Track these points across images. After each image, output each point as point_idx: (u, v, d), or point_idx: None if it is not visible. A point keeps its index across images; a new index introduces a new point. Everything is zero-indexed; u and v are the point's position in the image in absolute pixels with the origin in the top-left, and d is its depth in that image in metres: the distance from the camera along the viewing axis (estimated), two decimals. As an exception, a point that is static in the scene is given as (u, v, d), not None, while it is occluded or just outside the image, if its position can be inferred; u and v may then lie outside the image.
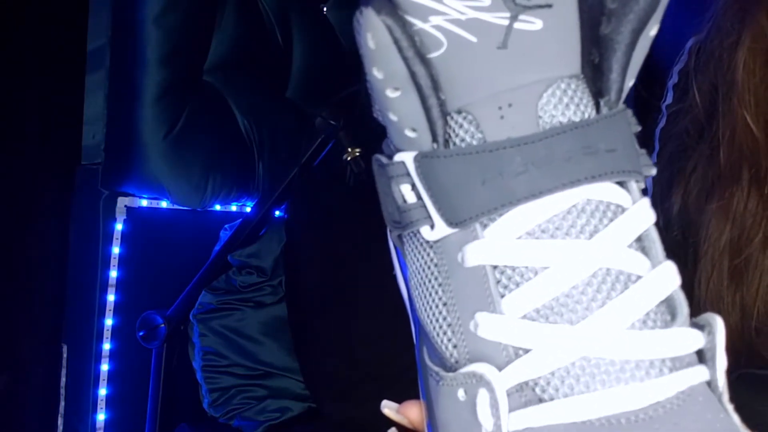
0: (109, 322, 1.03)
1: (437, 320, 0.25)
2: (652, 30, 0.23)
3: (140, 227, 1.07)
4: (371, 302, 0.88)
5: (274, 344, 1.05)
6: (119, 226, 1.04)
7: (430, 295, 0.25)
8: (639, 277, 0.22)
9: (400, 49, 0.22)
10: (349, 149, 0.95)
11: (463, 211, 0.23)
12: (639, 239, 0.24)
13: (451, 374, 0.23)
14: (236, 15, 1.15)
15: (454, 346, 0.24)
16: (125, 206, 1.05)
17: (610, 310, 0.22)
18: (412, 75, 0.22)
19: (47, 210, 1.08)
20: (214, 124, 1.12)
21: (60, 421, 1.06)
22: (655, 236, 0.24)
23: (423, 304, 0.26)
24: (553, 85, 0.23)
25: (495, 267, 0.23)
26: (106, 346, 1.03)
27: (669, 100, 0.60)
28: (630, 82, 0.24)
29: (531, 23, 0.22)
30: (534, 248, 0.22)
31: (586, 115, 0.23)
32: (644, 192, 0.25)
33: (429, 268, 0.25)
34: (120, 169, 1.05)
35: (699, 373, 0.22)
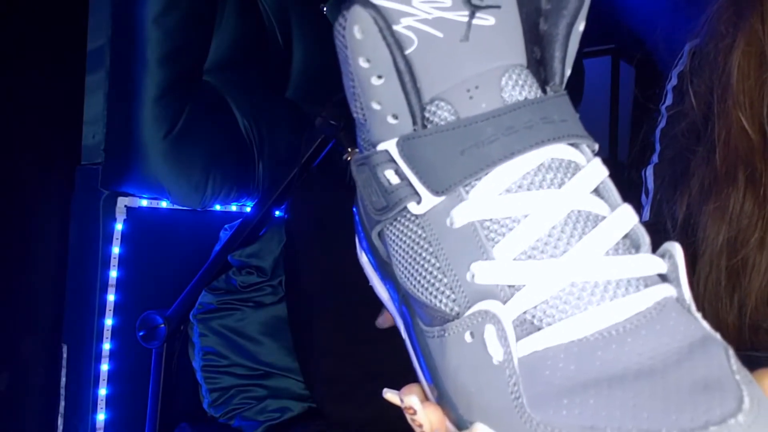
0: (109, 322, 1.03)
1: (434, 285, 0.27)
2: (581, 26, 0.27)
3: (140, 227, 1.07)
4: (371, 302, 0.88)
5: (274, 344, 1.05)
6: (119, 226, 1.04)
7: (423, 266, 0.28)
8: (604, 217, 0.26)
9: (384, 37, 0.26)
10: (349, 149, 0.95)
11: (447, 179, 0.26)
12: (596, 190, 0.28)
13: (456, 321, 0.26)
14: (236, 15, 1.15)
15: (454, 301, 0.27)
16: (125, 206, 1.05)
17: (586, 243, 0.25)
18: (395, 61, 0.26)
19: (47, 210, 1.08)
20: (214, 124, 1.12)
21: (60, 421, 1.06)
22: (611, 186, 0.28)
23: (416, 279, 0.28)
24: (509, 71, 0.27)
25: (482, 222, 0.26)
26: (106, 346, 1.03)
27: (668, 101, 0.60)
28: (568, 71, 0.28)
29: (486, 20, 0.26)
30: (514, 200, 0.26)
31: (538, 95, 0.27)
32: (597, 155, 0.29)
33: (418, 243, 0.28)
34: (120, 169, 1.05)
35: (669, 289, 0.26)
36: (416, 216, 0.28)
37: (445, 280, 0.27)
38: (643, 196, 0.61)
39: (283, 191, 1.05)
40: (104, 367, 1.03)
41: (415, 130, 0.27)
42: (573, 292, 0.25)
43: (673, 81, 0.60)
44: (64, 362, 1.06)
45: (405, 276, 0.29)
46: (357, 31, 0.26)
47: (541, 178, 0.26)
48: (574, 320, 0.24)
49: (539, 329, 0.25)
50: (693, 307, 0.26)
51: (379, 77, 0.27)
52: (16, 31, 1.02)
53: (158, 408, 0.99)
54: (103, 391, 1.03)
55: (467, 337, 0.25)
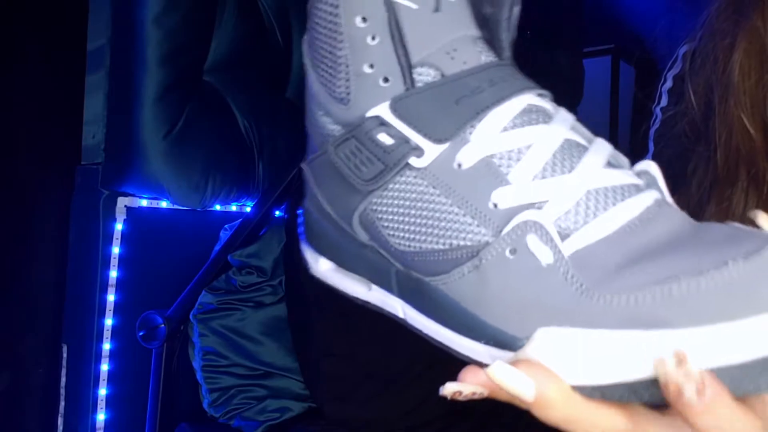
0: (109, 322, 1.03)
1: (452, 228, 0.29)
2: (516, 9, 0.31)
3: (140, 227, 1.07)
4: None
5: (274, 344, 1.05)
6: (119, 226, 1.04)
7: (434, 215, 0.30)
8: (587, 147, 0.30)
9: None
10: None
11: (449, 127, 0.29)
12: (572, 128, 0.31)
13: (491, 245, 0.28)
14: (236, 15, 1.15)
15: (480, 233, 0.29)
16: (125, 206, 1.05)
17: (587, 161, 0.29)
18: (389, 20, 0.29)
19: (47, 210, 1.08)
20: (214, 124, 1.12)
21: (60, 421, 1.06)
22: (580, 126, 0.31)
23: (428, 231, 0.30)
24: (476, 39, 0.31)
25: (491, 157, 0.29)
26: (106, 346, 1.03)
27: (663, 103, 0.60)
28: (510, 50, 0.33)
29: None
30: (517, 135, 0.29)
31: (500, 61, 0.31)
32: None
33: (424, 195, 0.30)
34: (120, 169, 1.05)
35: (657, 193, 0.30)
36: (418, 170, 0.30)
37: (466, 218, 0.29)
38: None
39: (283, 191, 1.05)
40: (104, 367, 1.03)
41: (407, 90, 0.30)
42: (590, 198, 0.28)
43: (668, 83, 0.60)
44: (64, 362, 1.06)
45: (410, 236, 0.30)
46: None
47: (528, 118, 0.30)
48: (601, 219, 0.27)
49: (568, 236, 0.27)
50: (676, 208, 0.30)
51: (373, 38, 0.29)
52: (16, 31, 1.02)
53: (158, 408, 0.99)
54: (103, 391, 1.03)
55: (508, 254, 0.27)
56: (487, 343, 0.28)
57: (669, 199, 0.30)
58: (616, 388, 0.26)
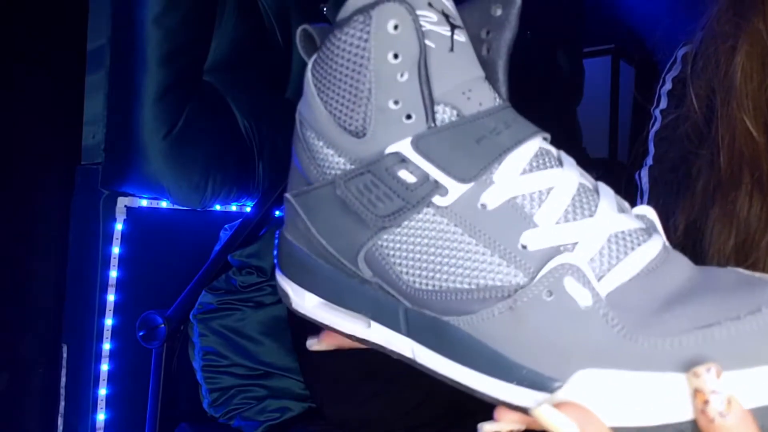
0: (109, 322, 1.03)
1: (478, 268, 0.29)
2: (510, 51, 0.32)
3: (140, 227, 1.07)
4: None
5: (274, 344, 1.05)
6: (119, 226, 1.04)
7: (457, 255, 0.29)
8: (596, 190, 0.31)
9: (416, 29, 0.28)
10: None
11: (473, 167, 0.29)
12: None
13: (528, 286, 0.28)
14: (236, 15, 1.15)
15: (511, 274, 0.29)
16: (125, 206, 1.05)
17: (603, 205, 0.30)
18: (420, 58, 0.29)
19: (47, 210, 1.08)
20: (214, 124, 1.12)
21: (60, 421, 1.06)
22: (582, 171, 0.32)
23: (451, 269, 0.30)
24: (484, 79, 0.31)
25: (514, 198, 0.29)
26: (106, 346, 1.03)
27: (663, 105, 0.60)
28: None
29: (461, 37, 0.30)
30: (537, 178, 0.30)
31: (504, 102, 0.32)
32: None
33: (447, 233, 0.30)
34: (120, 169, 1.05)
35: (660, 237, 0.31)
36: (438, 208, 0.30)
37: (494, 258, 0.29)
38: (638, 199, 0.61)
39: (283, 191, 1.04)
40: (104, 367, 1.03)
41: (429, 128, 0.29)
42: (611, 242, 0.29)
43: (667, 85, 0.60)
44: (64, 362, 1.06)
45: (428, 275, 0.30)
46: (391, 26, 0.28)
47: (542, 161, 0.30)
48: (625, 263, 0.28)
49: (599, 279, 0.28)
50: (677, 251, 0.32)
51: (402, 75, 0.29)
52: (16, 31, 1.02)
53: (158, 408, 0.99)
54: (103, 391, 1.03)
55: (545, 297, 0.27)
56: (519, 383, 0.28)
57: (666, 242, 0.31)
58: (661, 429, 0.26)
